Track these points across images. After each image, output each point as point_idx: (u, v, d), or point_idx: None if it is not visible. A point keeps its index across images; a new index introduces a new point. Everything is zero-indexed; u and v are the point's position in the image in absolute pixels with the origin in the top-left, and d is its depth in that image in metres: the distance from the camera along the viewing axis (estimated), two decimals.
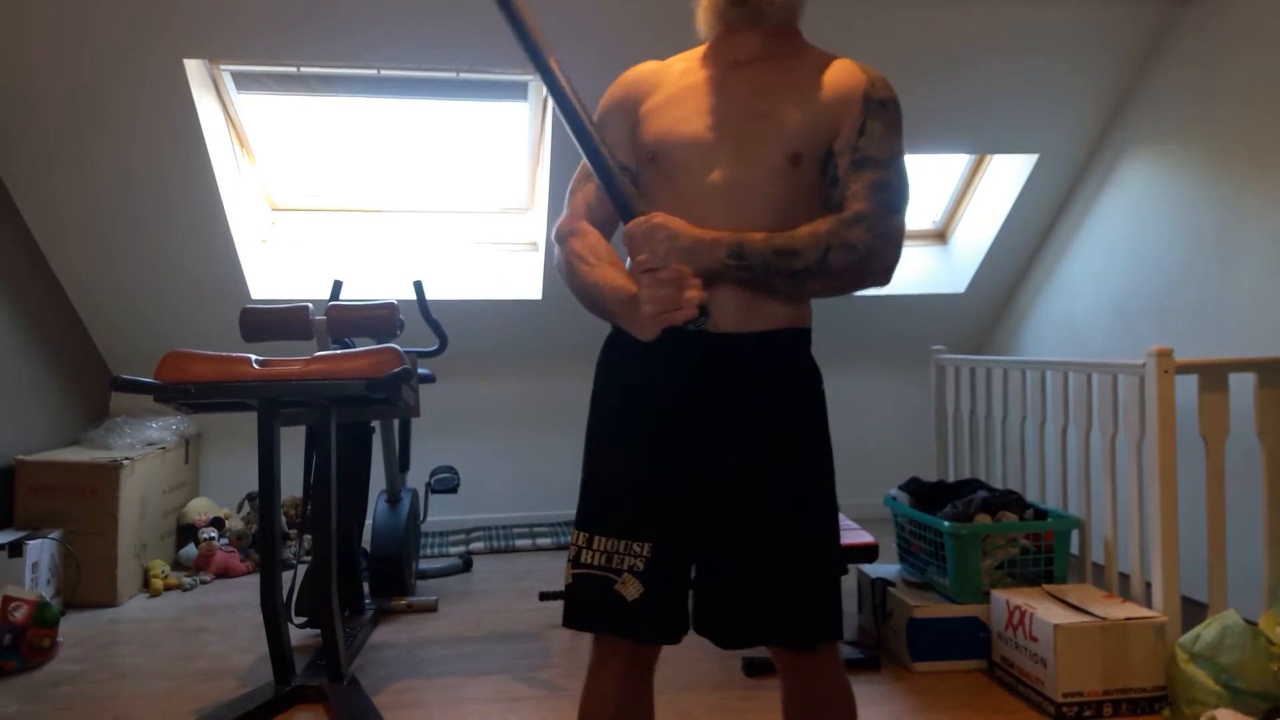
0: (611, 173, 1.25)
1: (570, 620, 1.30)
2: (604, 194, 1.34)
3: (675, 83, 1.35)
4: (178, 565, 3.61)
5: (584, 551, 1.29)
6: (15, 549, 2.85)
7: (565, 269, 1.36)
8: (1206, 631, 2.16)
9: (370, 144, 3.79)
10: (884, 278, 1.27)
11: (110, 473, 3.16)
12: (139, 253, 3.55)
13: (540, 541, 3.98)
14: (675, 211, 1.26)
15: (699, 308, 1.16)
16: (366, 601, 3.02)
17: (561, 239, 1.38)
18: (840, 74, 1.31)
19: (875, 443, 4.34)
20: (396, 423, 3.32)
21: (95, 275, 3.61)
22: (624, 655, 1.30)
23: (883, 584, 2.71)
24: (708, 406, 1.29)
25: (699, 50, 1.41)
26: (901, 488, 2.92)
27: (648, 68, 1.41)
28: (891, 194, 1.26)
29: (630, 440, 1.32)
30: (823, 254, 1.21)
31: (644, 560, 1.26)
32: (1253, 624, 2.15)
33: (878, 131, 1.28)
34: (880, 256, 1.24)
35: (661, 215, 1.23)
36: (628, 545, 1.27)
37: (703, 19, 1.36)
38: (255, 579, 3.48)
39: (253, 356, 2.22)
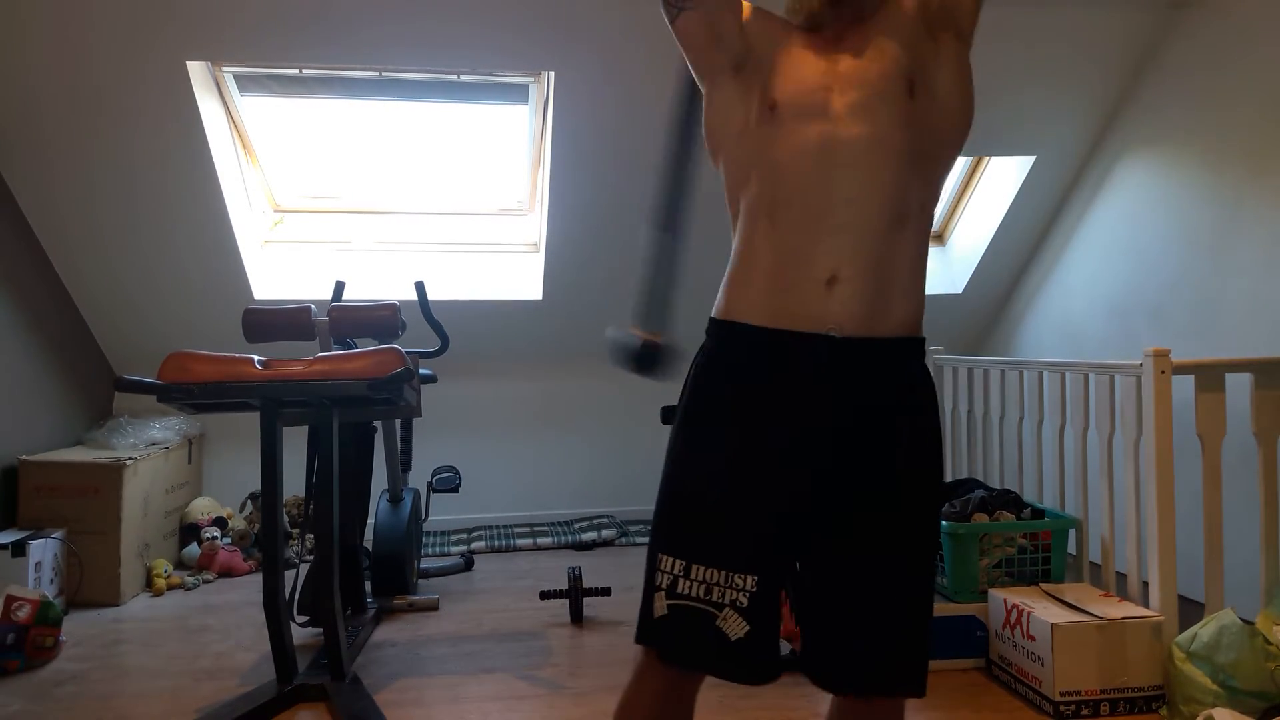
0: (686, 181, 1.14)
1: (670, 656, 1.20)
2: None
3: (789, 41, 1.28)
4: (180, 565, 3.62)
5: (680, 581, 1.18)
6: (19, 549, 2.87)
7: None
8: (1203, 631, 2.16)
9: (372, 146, 3.80)
10: None
11: (113, 472, 3.17)
12: (142, 253, 3.56)
13: (541, 541, 3.99)
14: (798, 166, 1.19)
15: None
16: (368, 600, 3.03)
17: None
18: None
19: None
20: (398, 423, 3.33)
21: (98, 276, 3.62)
22: (671, 672, 1.22)
23: None
24: (834, 429, 1.18)
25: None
26: None
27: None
28: None
29: (744, 462, 1.20)
30: None
31: (748, 595, 1.16)
32: (1249, 623, 2.16)
33: None
34: None
35: None
36: (729, 577, 1.16)
37: (794, 7, 1.28)
38: (258, 578, 3.50)
39: (255, 357, 2.23)
